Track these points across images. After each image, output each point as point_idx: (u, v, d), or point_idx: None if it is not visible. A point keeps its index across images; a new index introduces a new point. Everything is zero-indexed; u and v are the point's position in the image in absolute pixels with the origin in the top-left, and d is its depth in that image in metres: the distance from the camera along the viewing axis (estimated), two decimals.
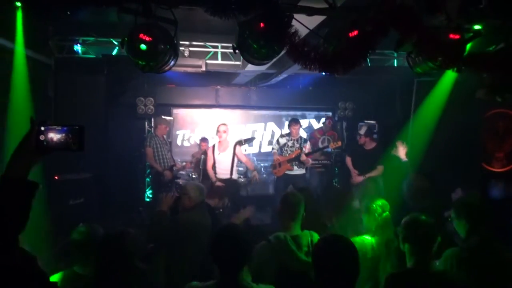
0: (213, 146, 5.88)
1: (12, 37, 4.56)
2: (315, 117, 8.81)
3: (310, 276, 2.20)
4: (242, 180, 7.01)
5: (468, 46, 3.19)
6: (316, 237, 2.44)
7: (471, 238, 2.39)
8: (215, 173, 5.76)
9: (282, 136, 6.29)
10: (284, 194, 2.73)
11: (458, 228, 2.51)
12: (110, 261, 1.88)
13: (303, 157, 5.91)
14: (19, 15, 4.39)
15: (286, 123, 8.36)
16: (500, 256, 2.27)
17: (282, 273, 2.27)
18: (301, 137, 6.17)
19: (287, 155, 6.05)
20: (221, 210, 4.88)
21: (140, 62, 3.14)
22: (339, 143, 6.17)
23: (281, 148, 6.13)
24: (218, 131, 5.85)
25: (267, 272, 2.29)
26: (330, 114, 8.14)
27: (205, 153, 6.50)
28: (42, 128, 1.22)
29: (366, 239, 2.62)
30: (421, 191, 3.51)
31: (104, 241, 1.94)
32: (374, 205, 2.75)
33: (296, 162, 5.99)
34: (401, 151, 4.78)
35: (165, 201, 3.19)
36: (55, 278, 2.15)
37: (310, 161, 6.09)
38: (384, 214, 2.72)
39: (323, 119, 8.01)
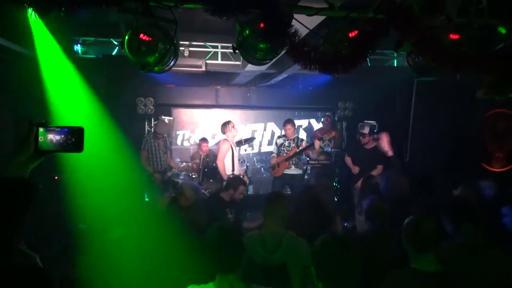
0: (231, 142, 5.90)
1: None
2: (314, 117, 8.81)
3: (273, 273, 2.29)
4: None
5: (468, 46, 3.19)
6: (289, 237, 2.44)
7: (457, 235, 2.39)
8: (233, 169, 5.83)
9: (279, 137, 6.39)
10: (270, 192, 2.78)
11: (445, 225, 2.51)
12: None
13: (317, 143, 6.00)
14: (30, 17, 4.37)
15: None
16: (488, 253, 2.28)
17: (249, 266, 2.31)
18: (297, 137, 6.24)
19: (284, 155, 6.10)
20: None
21: (140, 62, 3.14)
22: (333, 133, 6.30)
23: (278, 148, 6.21)
24: (233, 127, 5.91)
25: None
26: (328, 113, 8.09)
27: (199, 152, 6.54)
28: (41, 129, 1.23)
29: None
30: (398, 187, 3.57)
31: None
32: None
33: (294, 161, 6.04)
34: (385, 142, 4.86)
35: (161, 201, 3.22)
36: None
37: (319, 143, 6.16)
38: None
39: (322, 119, 8.00)
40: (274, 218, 2.53)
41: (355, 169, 5.92)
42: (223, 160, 5.81)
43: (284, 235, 2.45)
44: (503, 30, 3.20)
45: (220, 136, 8.07)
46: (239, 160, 7.15)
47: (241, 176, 5.70)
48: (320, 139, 7.33)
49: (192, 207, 3.32)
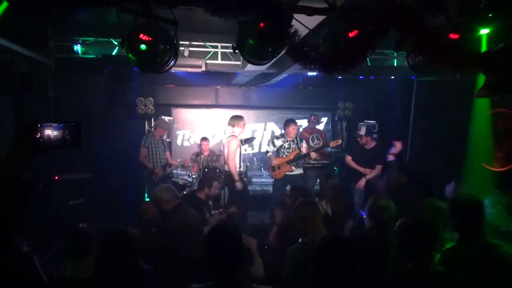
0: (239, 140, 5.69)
1: None
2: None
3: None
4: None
5: (468, 46, 3.19)
6: None
7: (464, 236, 2.38)
8: (240, 166, 5.60)
9: (277, 138, 6.18)
10: (306, 199, 2.76)
11: (451, 226, 2.50)
12: (112, 261, 1.87)
13: (313, 154, 5.91)
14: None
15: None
16: (495, 254, 2.27)
17: None
18: (296, 138, 6.13)
19: (284, 156, 6.00)
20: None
21: (139, 62, 3.14)
22: (339, 141, 6.14)
23: (278, 150, 6.07)
24: (244, 124, 5.68)
25: (303, 273, 2.30)
26: (315, 113, 8.02)
27: (200, 152, 6.54)
28: (38, 125, 1.20)
29: None
30: (399, 186, 3.59)
31: (107, 241, 1.94)
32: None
33: (295, 163, 5.97)
34: (398, 149, 4.98)
35: (146, 210, 3.17)
36: None
37: (315, 154, 6.07)
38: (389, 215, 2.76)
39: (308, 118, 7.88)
40: (320, 222, 2.55)
41: (367, 171, 5.80)
42: (235, 159, 5.41)
43: None
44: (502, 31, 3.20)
45: (220, 136, 8.10)
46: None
47: (239, 171, 5.51)
48: (313, 139, 7.30)
49: (176, 208, 3.27)
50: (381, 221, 2.81)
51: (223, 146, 5.74)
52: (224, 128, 8.06)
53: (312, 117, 7.45)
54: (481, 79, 5.25)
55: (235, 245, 1.84)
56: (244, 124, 5.67)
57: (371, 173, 5.73)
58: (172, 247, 3.06)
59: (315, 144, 7.01)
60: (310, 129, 7.46)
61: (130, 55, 3.11)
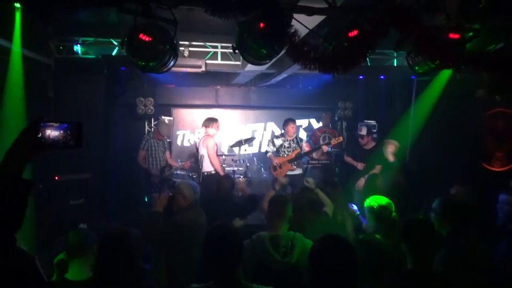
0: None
1: (10, 37, 4.55)
2: (314, 116, 8.80)
3: (286, 275, 2.27)
4: (242, 179, 6.99)
5: (468, 45, 3.19)
6: (299, 238, 2.43)
7: (454, 238, 2.38)
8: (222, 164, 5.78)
9: (276, 137, 6.18)
10: (273, 195, 2.78)
11: (439, 226, 2.49)
12: (113, 261, 1.87)
13: (325, 148, 6.01)
14: (18, 15, 4.38)
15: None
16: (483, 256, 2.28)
17: (260, 271, 2.30)
18: (296, 137, 6.11)
19: (285, 155, 5.99)
20: None
21: (139, 62, 3.14)
22: (340, 139, 6.15)
23: (278, 149, 6.05)
24: (218, 127, 5.87)
25: (249, 269, 2.31)
26: (327, 112, 8.06)
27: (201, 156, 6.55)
28: (39, 125, 1.19)
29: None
30: (398, 186, 3.60)
31: (107, 241, 1.93)
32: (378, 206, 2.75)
33: (295, 162, 5.98)
34: (389, 151, 4.97)
35: (159, 202, 3.17)
36: None
37: (327, 147, 6.19)
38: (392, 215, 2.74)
39: (323, 115, 7.91)
40: (283, 220, 2.52)
41: (360, 166, 5.83)
42: (216, 156, 5.70)
43: (294, 236, 2.44)
44: (502, 31, 3.21)
45: (221, 136, 8.08)
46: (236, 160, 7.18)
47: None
48: (324, 138, 7.30)
49: (190, 207, 3.28)
50: (382, 222, 2.80)
51: (199, 146, 5.91)
52: (224, 128, 8.10)
53: (324, 115, 7.44)
54: (441, 77, 5.37)
55: (235, 245, 1.84)
56: (218, 126, 5.93)
57: (362, 167, 5.71)
58: (175, 243, 3.07)
59: (327, 143, 7.04)
60: (324, 129, 7.47)
61: (130, 56, 3.11)
